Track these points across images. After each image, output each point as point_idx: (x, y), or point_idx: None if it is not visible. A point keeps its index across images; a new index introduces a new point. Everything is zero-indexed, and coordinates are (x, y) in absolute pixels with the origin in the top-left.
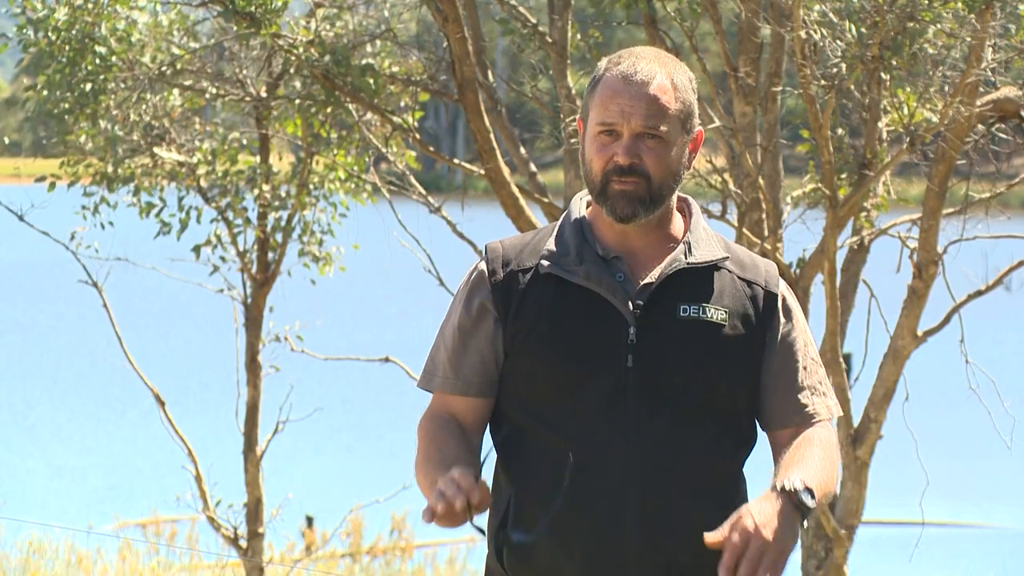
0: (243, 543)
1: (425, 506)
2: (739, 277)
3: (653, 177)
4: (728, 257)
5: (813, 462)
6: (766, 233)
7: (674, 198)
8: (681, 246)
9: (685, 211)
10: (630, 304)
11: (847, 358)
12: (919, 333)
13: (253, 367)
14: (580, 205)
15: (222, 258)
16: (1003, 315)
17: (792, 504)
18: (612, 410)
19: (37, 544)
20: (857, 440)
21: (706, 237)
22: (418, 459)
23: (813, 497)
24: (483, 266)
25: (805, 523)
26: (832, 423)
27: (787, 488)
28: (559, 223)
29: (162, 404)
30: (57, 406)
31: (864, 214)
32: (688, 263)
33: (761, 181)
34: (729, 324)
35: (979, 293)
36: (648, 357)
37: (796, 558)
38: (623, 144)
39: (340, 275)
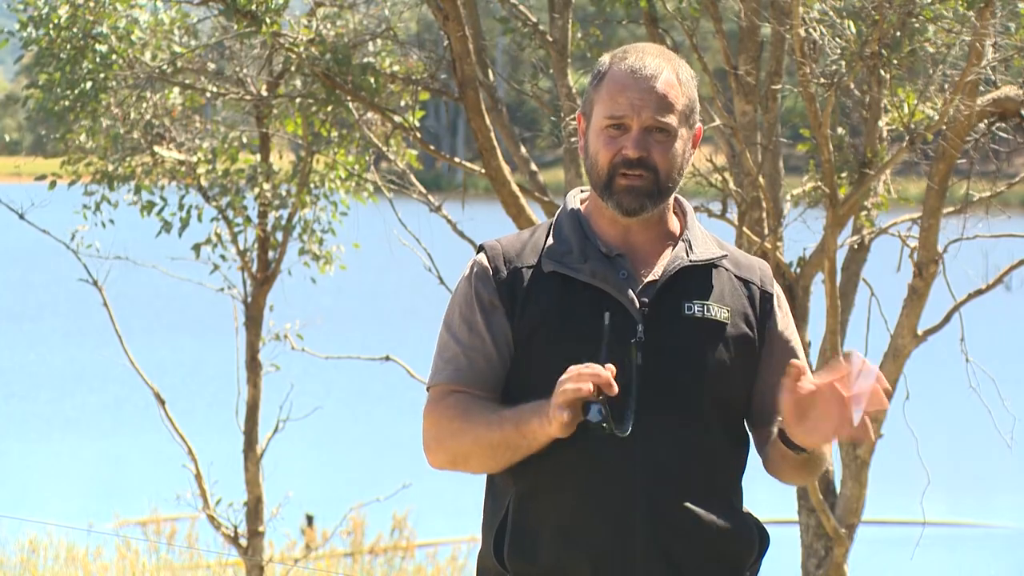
0: (243, 542)
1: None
2: (736, 276)
3: (661, 170)
4: (726, 255)
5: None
6: (766, 232)
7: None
8: (682, 244)
9: (678, 210)
10: (636, 301)
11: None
12: (919, 332)
13: (253, 366)
14: (575, 201)
15: (222, 257)
16: (1003, 314)
17: None
18: (620, 407)
19: (36, 543)
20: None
21: (702, 236)
22: (452, 427)
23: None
24: (484, 262)
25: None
26: None
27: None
28: (554, 220)
29: (162, 403)
30: (57, 404)
31: (864, 213)
32: (691, 261)
33: (761, 180)
34: (731, 323)
35: (979, 292)
36: (656, 354)
37: (796, 557)
38: (632, 137)
39: (340, 274)
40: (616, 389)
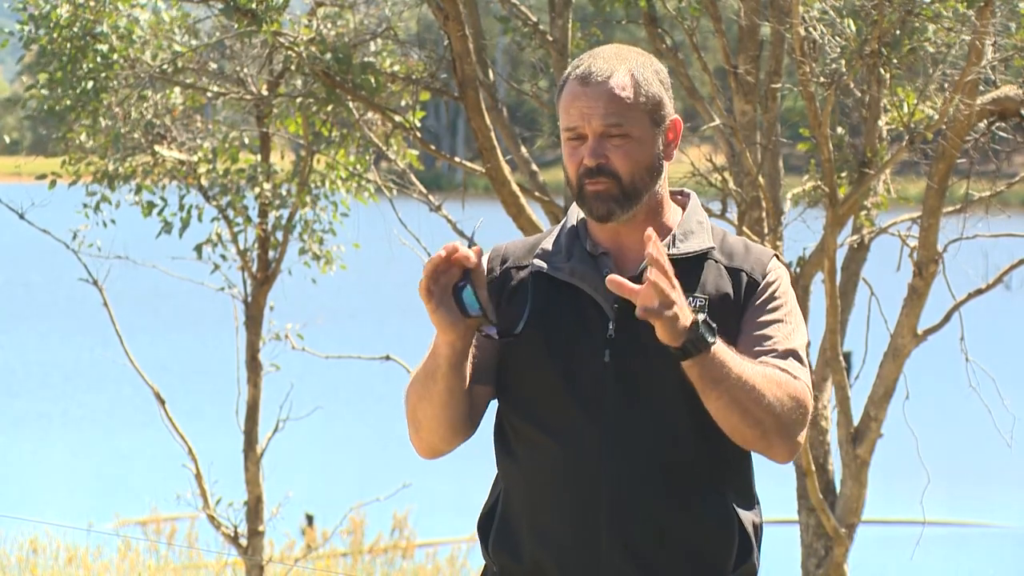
0: (243, 541)
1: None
2: (726, 267)
3: (623, 175)
4: (713, 247)
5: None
6: (766, 231)
7: (665, 191)
8: (668, 239)
9: (685, 205)
10: (611, 299)
11: (847, 356)
12: (919, 331)
13: (253, 365)
14: None
15: (223, 256)
16: (1003, 313)
17: (694, 324)
18: (592, 406)
19: (36, 543)
20: (857, 439)
21: (699, 229)
22: (409, 390)
23: (714, 335)
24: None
25: (693, 348)
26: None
27: (695, 309)
28: (561, 223)
29: (162, 402)
30: (57, 404)
31: (864, 212)
32: (670, 254)
33: (761, 180)
34: (707, 313)
35: (979, 292)
36: (624, 351)
37: (796, 557)
38: (589, 146)
39: (341, 274)
40: (475, 261)
